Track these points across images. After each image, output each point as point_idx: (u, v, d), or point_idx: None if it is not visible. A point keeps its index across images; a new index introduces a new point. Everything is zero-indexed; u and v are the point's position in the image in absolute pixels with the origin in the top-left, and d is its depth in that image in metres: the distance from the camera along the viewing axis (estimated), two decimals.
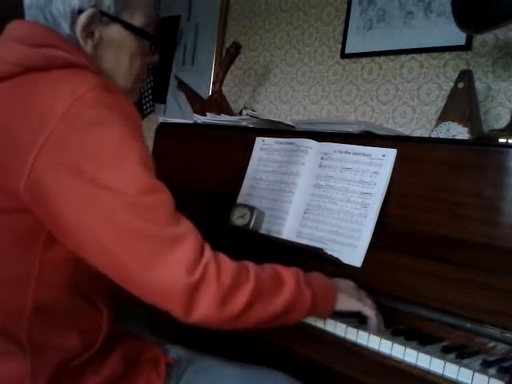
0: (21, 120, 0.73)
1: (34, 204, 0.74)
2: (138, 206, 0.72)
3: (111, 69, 0.89)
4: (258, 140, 1.53)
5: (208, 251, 0.77)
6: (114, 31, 0.87)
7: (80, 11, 0.83)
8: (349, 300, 0.97)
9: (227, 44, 2.18)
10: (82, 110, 0.72)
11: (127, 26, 0.87)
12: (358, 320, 1.04)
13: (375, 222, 1.21)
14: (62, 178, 0.71)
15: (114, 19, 0.86)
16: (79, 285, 0.84)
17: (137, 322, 0.83)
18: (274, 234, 1.37)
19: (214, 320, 0.76)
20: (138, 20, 0.89)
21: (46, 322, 0.81)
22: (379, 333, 0.97)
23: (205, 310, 0.74)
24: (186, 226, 0.77)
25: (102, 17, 0.85)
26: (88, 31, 0.85)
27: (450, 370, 0.88)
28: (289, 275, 0.86)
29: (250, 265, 0.82)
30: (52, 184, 0.71)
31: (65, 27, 0.83)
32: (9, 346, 0.78)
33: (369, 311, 0.98)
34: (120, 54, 0.89)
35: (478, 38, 1.63)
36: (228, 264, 0.78)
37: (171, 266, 0.72)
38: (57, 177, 0.71)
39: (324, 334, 1.03)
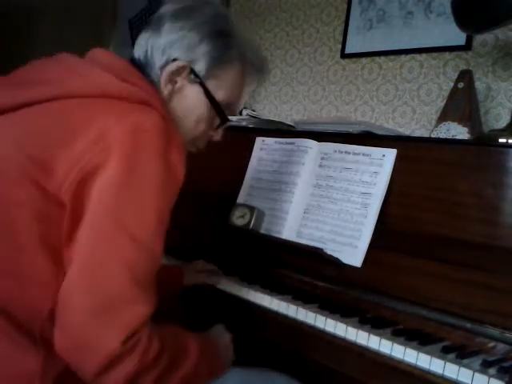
0: (82, 133, 0.78)
1: (68, 209, 0.78)
2: (134, 257, 0.76)
3: (178, 119, 0.95)
4: (258, 140, 1.53)
5: (150, 327, 0.78)
6: (194, 91, 0.95)
7: (174, 60, 0.92)
8: (227, 363, 1.00)
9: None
10: (138, 140, 0.78)
11: (207, 94, 0.94)
12: (357, 320, 1.04)
13: (375, 222, 1.21)
14: (96, 191, 0.77)
15: (200, 81, 0.94)
16: None
17: None
18: (274, 234, 1.37)
19: None
20: (219, 95, 0.96)
21: None
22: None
23: (114, 380, 0.75)
24: (151, 295, 0.79)
25: (190, 73, 0.93)
26: (172, 78, 0.93)
27: (450, 369, 0.88)
28: (193, 350, 0.87)
29: (167, 342, 0.82)
30: (86, 193, 0.77)
31: (157, 66, 0.93)
32: (24, 340, 0.79)
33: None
34: (189, 112, 0.96)
35: (478, 38, 1.63)
36: (155, 345, 0.78)
37: (117, 325, 0.74)
38: (92, 189, 0.77)
39: (324, 333, 1.03)
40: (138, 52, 0.96)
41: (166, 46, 0.93)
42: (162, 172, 0.79)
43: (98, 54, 0.94)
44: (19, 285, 0.80)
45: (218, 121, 1.01)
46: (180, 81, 0.94)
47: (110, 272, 0.75)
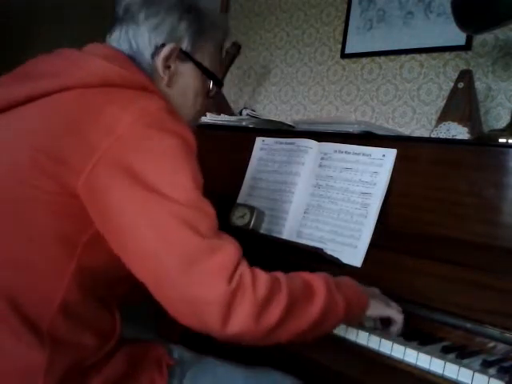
0: (92, 123, 0.80)
1: (88, 201, 0.78)
2: (186, 215, 0.76)
3: (178, 101, 0.99)
4: (258, 140, 1.53)
5: (244, 262, 0.78)
6: (187, 68, 0.99)
7: (162, 45, 0.95)
8: (379, 306, 0.98)
9: (227, 44, 2.18)
10: (148, 123, 0.80)
11: (198, 65, 1.00)
12: None
13: (375, 222, 1.21)
14: (120, 178, 0.77)
15: (189, 57, 0.98)
16: (102, 292, 0.88)
17: (142, 322, 0.84)
18: (274, 234, 1.37)
19: (251, 333, 0.76)
20: (206, 64, 1.01)
21: (68, 319, 0.83)
22: (397, 336, 0.97)
23: (241, 321, 0.74)
24: (226, 239, 0.80)
25: (179, 53, 0.97)
26: (167, 63, 0.96)
27: (450, 369, 0.88)
28: (319, 282, 0.86)
29: (281, 275, 0.83)
30: (109, 183, 0.77)
31: (147, 55, 0.95)
32: (30, 335, 0.79)
33: (398, 316, 0.99)
34: (187, 89, 1.01)
35: (478, 38, 1.63)
36: (262, 275, 0.79)
37: (210, 272, 0.74)
38: (115, 177, 0.77)
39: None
40: (120, 47, 0.97)
41: (150, 32, 0.95)
42: (178, 142, 0.81)
43: (95, 46, 0.96)
44: (30, 277, 0.81)
45: (210, 89, 1.05)
46: (173, 63, 0.97)
47: (175, 235, 0.75)
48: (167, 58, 0.95)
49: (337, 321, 0.88)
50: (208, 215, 0.79)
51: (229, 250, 0.77)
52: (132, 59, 0.96)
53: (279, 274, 0.83)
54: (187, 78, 1.00)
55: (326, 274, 0.90)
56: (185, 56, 0.98)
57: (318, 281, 0.86)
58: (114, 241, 0.79)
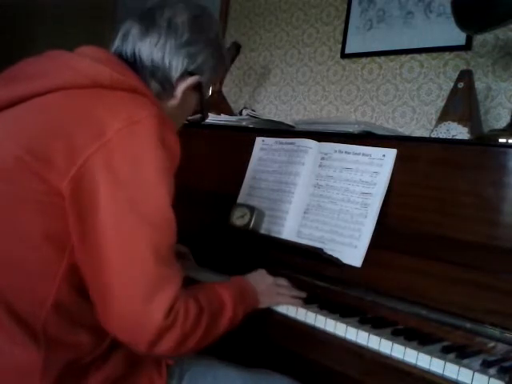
0: (80, 126, 0.80)
1: (69, 201, 0.79)
2: (153, 236, 0.80)
3: (172, 116, 0.98)
4: (258, 140, 1.53)
5: (183, 295, 0.83)
6: (194, 97, 1.03)
7: (190, 73, 0.97)
8: (266, 300, 1.08)
9: (227, 44, 2.18)
10: (136, 130, 0.80)
11: (203, 99, 1.04)
12: (357, 320, 1.04)
13: (375, 222, 1.21)
14: (102, 183, 0.78)
15: (201, 92, 1.02)
16: None
17: None
18: (274, 234, 1.37)
19: (171, 355, 0.90)
20: (208, 93, 1.08)
21: (62, 318, 0.83)
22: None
23: (166, 348, 0.82)
24: (176, 267, 0.84)
25: (197, 85, 1.00)
26: (186, 89, 0.98)
27: (450, 369, 0.88)
28: (228, 297, 0.94)
29: (202, 297, 0.88)
30: (92, 186, 0.78)
31: (174, 74, 0.96)
32: (25, 336, 0.80)
33: (285, 301, 1.10)
34: (186, 112, 1.05)
35: (478, 38, 1.63)
36: (192, 309, 0.84)
37: (158, 306, 0.78)
38: (98, 181, 0.78)
39: (324, 333, 1.03)
40: (151, 53, 0.95)
41: (185, 57, 0.96)
42: (163, 156, 0.82)
43: (85, 49, 0.95)
44: (22, 277, 0.81)
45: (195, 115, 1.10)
46: (187, 90, 0.99)
47: (142, 261, 0.79)
48: (190, 87, 0.98)
49: (234, 326, 0.96)
50: (171, 234, 0.83)
51: (174, 283, 0.81)
52: (137, 63, 0.94)
53: (201, 296, 0.88)
54: (190, 104, 1.03)
55: (233, 285, 1.00)
56: (198, 88, 1.01)
57: (227, 295, 0.94)
58: (81, 246, 0.80)
